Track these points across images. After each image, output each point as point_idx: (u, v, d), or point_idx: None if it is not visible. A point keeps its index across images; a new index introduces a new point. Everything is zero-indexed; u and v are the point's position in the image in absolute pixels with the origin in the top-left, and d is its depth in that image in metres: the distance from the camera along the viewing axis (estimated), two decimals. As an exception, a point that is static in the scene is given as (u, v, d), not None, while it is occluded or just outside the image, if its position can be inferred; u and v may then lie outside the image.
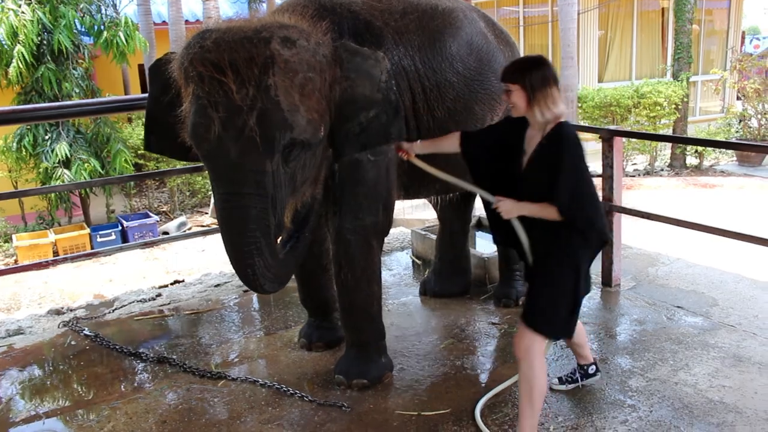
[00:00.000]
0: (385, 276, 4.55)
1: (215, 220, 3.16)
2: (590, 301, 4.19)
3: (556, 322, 2.67)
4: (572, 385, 3.13)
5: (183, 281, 4.99)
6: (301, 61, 2.48)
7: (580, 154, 2.55)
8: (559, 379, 3.14)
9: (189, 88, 2.50)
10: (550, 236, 2.63)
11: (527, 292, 2.77)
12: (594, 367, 3.15)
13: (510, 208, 2.67)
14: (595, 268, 4.47)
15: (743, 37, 15.05)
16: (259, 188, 2.47)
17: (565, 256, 2.62)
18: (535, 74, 2.58)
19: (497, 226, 2.84)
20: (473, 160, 2.90)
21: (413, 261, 4.91)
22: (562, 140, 2.55)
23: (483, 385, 3.28)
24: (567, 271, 2.62)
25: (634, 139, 10.76)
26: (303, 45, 2.51)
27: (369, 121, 2.76)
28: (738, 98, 13.49)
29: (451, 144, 2.95)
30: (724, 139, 10.82)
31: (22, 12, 8.13)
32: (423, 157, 3.07)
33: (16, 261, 8.15)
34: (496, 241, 3.04)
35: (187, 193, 10.29)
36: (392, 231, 4.07)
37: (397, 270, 4.81)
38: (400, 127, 2.86)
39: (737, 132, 11.79)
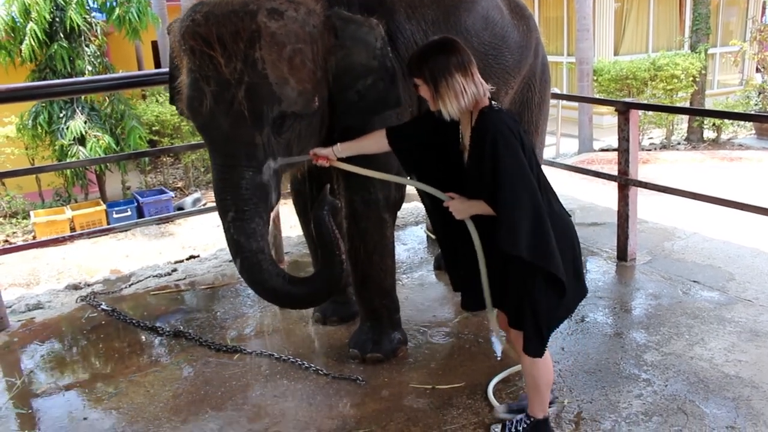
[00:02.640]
0: (400, 250, 4.54)
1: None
2: (605, 276, 4.18)
3: (530, 318, 2.37)
4: (511, 415, 2.65)
5: (198, 256, 5.02)
6: (289, 33, 2.47)
7: (509, 142, 2.25)
8: (509, 406, 2.75)
9: (184, 60, 2.53)
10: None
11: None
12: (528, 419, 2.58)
13: (461, 208, 2.41)
14: (611, 243, 4.46)
15: (764, 7, 14.71)
16: (251, 160, 2.49)
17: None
18: (434, 63, 2.32)
19: (445, 231, 2.61)
20: (408, 158, 2.64)
21: (428, 235, 4.90)
22: (487, 131, 2.27)
23: (497, 358, 3.29)
24: (516, 268, 2.33)
25: (650, 113, 10.64)
26: (291, 16, 2.49)
27: (367, 88, 2.72)
28: (758, 70, 13.26)
29: (377, 143, 2.65)
30: (742, 111, 10.65)
31: (35, -11, 8.13)
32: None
33: (34, 237, 8.24)
34: (447, 262, 2.71)
35: (202, 169, 10.31)
36: (406, 205, 4.06)
37: (411, 244, 4.81)
38: (398, 94, 2.77)
39: (756, 105, 11.59)
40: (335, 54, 2.67)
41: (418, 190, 2.70)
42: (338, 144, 2.69)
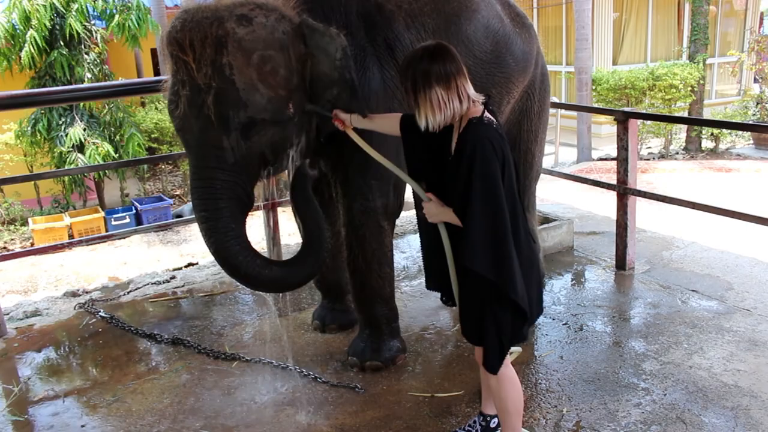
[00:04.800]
0: (398, 258, 4.55)
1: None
2: (604, 285, 4.18)
3: (481, 334, 2.32)
4: None
5: (197, 264, 5.01)
6: (257, 39, 2.50)
7: (486, 158, 2.16)
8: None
9: (167, 64, 2.62)
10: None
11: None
12: (496, 420, 2.62)
13: (435, 212, 2.34)
14: (609, 252, 4.47)
15: (762, 18, 14.81)
16: (221, 163, 2.56)
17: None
18: (416, 71, 2.21)
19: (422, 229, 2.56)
20: (409, 148, 2.53)
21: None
22: (468, 143, 2.18)
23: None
24: (474, 283, 2.28)
25: (648, 122, 10.68)
26: (260, 22, 2.53)
27: (335, 99, 2.71)
28: (755, 80, 13.31)
29: (390, 125, 2.59)
30: (740, 121, 10.68)
31: (35, -4, 8.16)
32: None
33: (32, 244, 8.23)
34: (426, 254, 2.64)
35: (200, 177, 10.31)
36: (405, 213, 4.06)
37: (410, 253, 4.80)
38: (360, 107, 2.72)
39: (754, 115, 11.64)
40: (308, 61, 2.68)
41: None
42: (356, 114, 2.68)
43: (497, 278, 2.20)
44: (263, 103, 2.53)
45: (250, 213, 2.73)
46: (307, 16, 2.71)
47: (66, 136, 8.45)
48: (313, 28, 2.67)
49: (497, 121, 2.30)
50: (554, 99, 6.88)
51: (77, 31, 8.46)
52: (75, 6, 8.47)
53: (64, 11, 8.45)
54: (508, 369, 2.39)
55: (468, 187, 2.17)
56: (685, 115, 11.48)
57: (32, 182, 9.11)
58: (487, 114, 2.26)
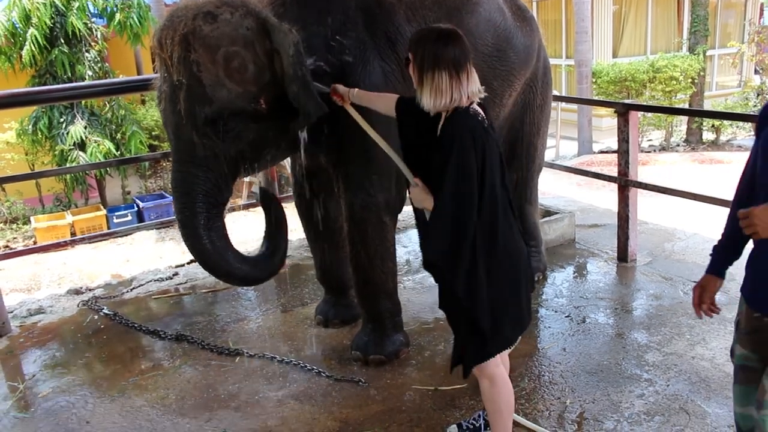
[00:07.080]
0: (401, 253, 4.55)
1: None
2: (606, 277, 4.19)
3: (477, 335, 2.27)
4: None
5: (199, 260, 5.02)
6: (222, 36, 2.53)
7: (464, 152, 2.13)
8: (458, 425, 2.67)
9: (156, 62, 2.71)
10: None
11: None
12: None
13: (419, 198, 2.33)
14: (611, 244, 4.47)
15: (762, 9, 14.75)
16: (193, 157, 2.63)
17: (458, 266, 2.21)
18: (429, 51, 2.20)
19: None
20: (402, 130, 2.51)
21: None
22: (447, 133, 2.18)
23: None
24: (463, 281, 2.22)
25: (649, 115, 10.66)
26: (225, 19, 2.56)
27: (296, 95, 2.67)
28: (756, 72, 13.29)
29: (386, 104, 2.57)
30: (741, 112, 10.66)
31: (35, -5, 8.15)
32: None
33: (34, 242, 8.23)
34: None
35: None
36: (407, 208, 4.05)
37: (412, 247, 4.81)
38: (316, 103, 2.69)
39: (755, 106, 11.61)
40: (275, 57, 2.67)
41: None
42: (356, 89, 2.71)
43: (449, 275, 2.20)
44: (231, 98, 2.57)
45: (225, 207, 2.80)
46: (275, 12, 2.74)
47: (67, 134, 8.44)
48: (273, 24, 2.67)
49: (485, 115, 2.27)
50: (555, 92, 6.88)
51: (78, 29, 8.45)
52: (75, 4, 8.46)
53: (64, 9, 8.44)
54: (499, 369, 2.37)
55: (442, 176, 2.16)
56: (686, 107, 11.46)
57: (34, 181, 9.11)
58: (474, 106, 2.24)
